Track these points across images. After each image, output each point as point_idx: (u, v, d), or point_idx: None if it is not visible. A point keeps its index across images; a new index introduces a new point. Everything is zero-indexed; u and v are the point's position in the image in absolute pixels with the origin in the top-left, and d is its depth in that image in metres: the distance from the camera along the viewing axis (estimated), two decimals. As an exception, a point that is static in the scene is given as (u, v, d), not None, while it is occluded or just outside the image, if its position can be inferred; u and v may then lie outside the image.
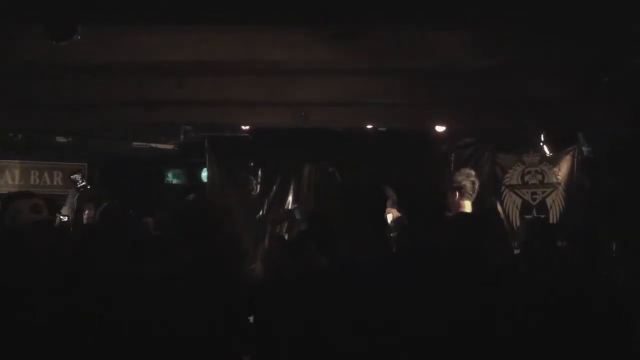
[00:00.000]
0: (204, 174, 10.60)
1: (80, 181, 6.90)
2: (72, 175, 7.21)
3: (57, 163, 9.84)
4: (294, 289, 3.40)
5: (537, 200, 9.65)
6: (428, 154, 9.74)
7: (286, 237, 8.82)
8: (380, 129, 9.07)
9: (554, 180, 9.60)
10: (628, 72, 5.58)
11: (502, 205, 9.62)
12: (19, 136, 9.03)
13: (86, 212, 6.81)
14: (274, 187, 10.45)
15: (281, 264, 4.34)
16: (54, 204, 4.67)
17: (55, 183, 9.72)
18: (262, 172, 10.50)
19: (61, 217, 6.45)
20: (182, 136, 9.46)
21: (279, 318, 3.28)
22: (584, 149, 8.67)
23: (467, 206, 7.10)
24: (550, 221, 9.48)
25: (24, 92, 6.74)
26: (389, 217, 6.72)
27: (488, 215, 5.70)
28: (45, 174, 9.76)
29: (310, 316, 3.18)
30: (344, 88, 6.85)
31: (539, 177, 9.67)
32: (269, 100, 7.20)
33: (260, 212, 10.25)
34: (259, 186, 10.49)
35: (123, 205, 7.08)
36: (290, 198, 10.42)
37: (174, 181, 11.12)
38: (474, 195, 7.24)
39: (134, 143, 9.94)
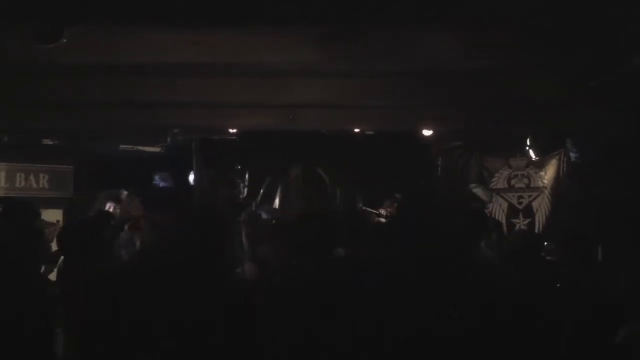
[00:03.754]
0: (191, 177, 10.58)
1: None
2: None
3: (43, 166, 9.76)
4: (286, 290, 3.39)
5: (523, 204, 9.70)
6: (416, 157, 9.78)
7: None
8: (368, 132, 9.09)
9: (540, 184, 9.65)
10: (618, 76, 5.62)
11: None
12: (5, 138, 8.96)
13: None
14: (261, 190, 10.45)
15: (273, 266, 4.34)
16: None
17: (41, 186, 9.63)
18: (249, 174, 10.50)
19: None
20: (169, 139, 9.43)
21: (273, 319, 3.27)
22: (572, 154, 8.72)
23: None
24: (536, 225, 9.54)
25: (11, 93, 6.69)
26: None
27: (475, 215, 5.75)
28: (31, 177, 9.67)
29: (306, 319, 3.19)
30: (332, 90, 6.87)
31: (525, 180, 9.73)
32: (258, 102, 7.20)
33: (248, 215, 10.21)
34: (246, 189, 10.49)
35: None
36: (277, 201, 10.42)
37: (161, 184, 11.08)
38: None
39: (122, 146, 9.89)
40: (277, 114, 7.65)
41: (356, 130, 8.89)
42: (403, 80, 6.61)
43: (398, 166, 9.59)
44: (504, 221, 9.63)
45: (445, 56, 5.39)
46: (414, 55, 5.46)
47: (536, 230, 9.36)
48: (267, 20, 4.71)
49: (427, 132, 8.74)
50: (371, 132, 9.17)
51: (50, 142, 9.38)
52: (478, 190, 8.67)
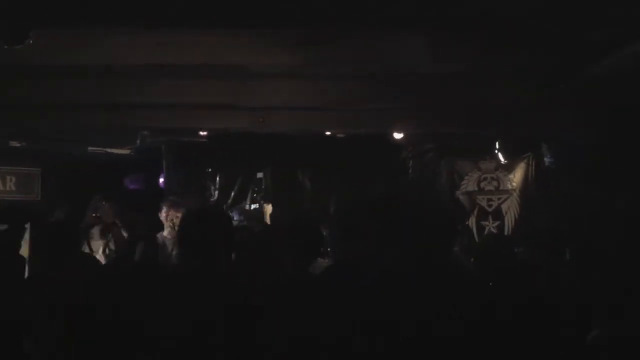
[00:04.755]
0: (161, 180, 10.50)
1: None
2: None
3: (10, 168, 9.61)
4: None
5: (493, 207, 9.77)
6: (387, 160, 9.80)
7: None
8: (339, 135, 9.10)
9: (509, 186, 9.73)
10: (586, 80, 5.68)
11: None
12: (-29, 141, 8.81)
13: None
14: (232, 193, 10.41)
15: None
16: None
17: (8, 188, 9.48)
18: (219, 177, 10.45)
19: None
20: (138, 141, 9.34)
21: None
22: (546, 159, 8.79)
23: None
24: (506, 227, 9.62)
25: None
26: None
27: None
28: (-2, 180, 9.53)
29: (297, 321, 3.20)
30: (304, 93, 6.86)
31: (495, 183, 9.80)
32: (229, 104, 7.16)
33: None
34: (217, 192, 10.44)
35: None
36: (248, 203, 10.39)
37: (131, 187, 10.98)
38: None
39: (90, 148, 9.77)
40: (249, 116, 7.62)
41: (328, 132, 8.90)
42: (375, 83, 6.62)
43: (370, 169, 9.61)
44: (473, 224, 9.70)
45: (417, 59, 5.41)
46: (386, 58, 5.48)
47: (505, 233, 9.43)
48: (239, 22, 4.70)
49: (398, 136, 8.77)
50: (342, 135, 9.18)
51: (18, 144, 9.24)
52: (464, 198, 8.70)
